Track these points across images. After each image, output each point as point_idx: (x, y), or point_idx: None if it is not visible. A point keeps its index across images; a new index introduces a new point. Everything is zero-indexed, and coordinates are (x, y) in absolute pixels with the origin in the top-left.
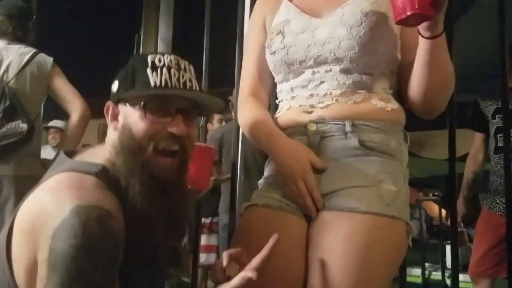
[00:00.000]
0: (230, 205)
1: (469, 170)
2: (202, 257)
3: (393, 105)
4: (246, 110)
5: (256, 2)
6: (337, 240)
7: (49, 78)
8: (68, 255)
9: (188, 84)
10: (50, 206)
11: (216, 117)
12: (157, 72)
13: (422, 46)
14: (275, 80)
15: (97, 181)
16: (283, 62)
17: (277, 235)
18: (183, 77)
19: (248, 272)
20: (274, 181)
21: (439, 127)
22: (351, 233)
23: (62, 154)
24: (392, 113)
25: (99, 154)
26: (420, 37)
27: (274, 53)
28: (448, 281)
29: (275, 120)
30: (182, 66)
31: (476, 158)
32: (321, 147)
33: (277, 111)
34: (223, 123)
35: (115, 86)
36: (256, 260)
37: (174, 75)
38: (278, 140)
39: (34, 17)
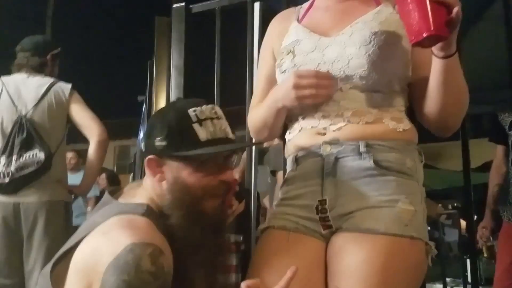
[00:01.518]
0: (245, 228)
1: (493, 183)
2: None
3: (405, 125)
4: (250, 113)
5: (268, 28)
6: (356, 263)
7: (68, 105)
8: None
9: (230, 133)
10: (103, 245)
11: None
12: (201, 125)
13: (436, 67)
14: None
15: (147, 220)
16: None
17: (296, 267)
18: (222, 125)
19: None
20: (290, 202)
21: (455, 138)
22: (370, 256)
23: (106, 195)
24: (404, 133)
25: (141, 194)
26: (433, 57)
27: (284, 72)
28: None
29: (288, 143)
30: (219, 114)
31: (499, 171)
32: (336, 168)
33: (288, 132)
34: None
35: (159, 141)
36: None
37: (216, 126)
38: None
39: (58, 49)
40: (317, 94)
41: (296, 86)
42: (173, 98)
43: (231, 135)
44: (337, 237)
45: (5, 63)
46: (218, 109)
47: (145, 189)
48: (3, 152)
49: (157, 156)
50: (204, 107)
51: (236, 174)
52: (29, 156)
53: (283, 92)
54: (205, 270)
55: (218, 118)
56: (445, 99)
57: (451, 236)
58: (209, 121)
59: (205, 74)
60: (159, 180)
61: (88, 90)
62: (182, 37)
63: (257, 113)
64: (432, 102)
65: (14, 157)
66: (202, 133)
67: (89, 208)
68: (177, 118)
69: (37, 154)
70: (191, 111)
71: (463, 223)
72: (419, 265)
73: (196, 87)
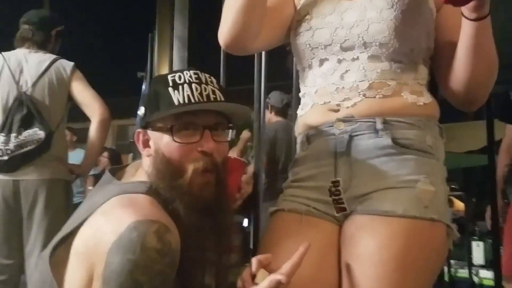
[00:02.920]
0: (253, 210)
1: (503, 163)
2: None
3: (426, 98)
4: None
5: None
6: (373, 247)
7: (69, 83)
8: (124, 270)
9: (212, 96)
10: (105, 225)
11: None
12: (178, 89)
13: (466, 30)
14: (298, 68)
15: (149, 198)
16: (308, 46)
17: (308, 243)
18: (205, 90)
19: (277, 275)
20: (301, 184)
21: (458, 120)
22: (388, 240)
23: (107, 173)
24: (425, 108)
25: (141, 173)
26: (464, 20)
27: (299, 34)
28: (476, 279)
29: (299, 119)
30: (203, 80)
31: (509, 150)
32: (350, 146)
33: (300, 108)
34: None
35: (141, 112)
36: (287, 266)
37: (196, 90)
38: None
39: (62, 26)
40: None
41: None
42: None
43: (213, 100)
44: (351, 220)
45: (2, 40)
46: (203, 75)
47: (144, 167)
48: (2, 130)
49: (142, 129)
50: (185, 72)
51: (232, 152)
52: (29, 133)
53: None
54: (202, 253)
55: (200, 83)
56: (475, 66)
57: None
58: (186, 85)
59: (211, 47)
60: (147, 154)
61: (84, 67)
62: (186, 4)
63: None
64: (460, 70)
65: (13, 134)
66: (176, 97)
67: (90, 187)
68: (155, 84)
69: (37, 132)
70: (170, 76)
71: (459, 204)
72: (440, 250)
73: (201, 60)
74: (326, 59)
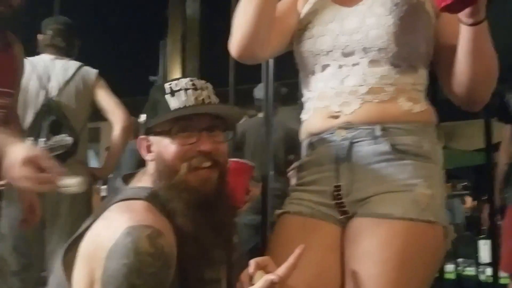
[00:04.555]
0: (262, 215)
1: (502, 163)
2: None
3: (421, 106)
4: None
5: None
6: (373, 247)
7: (93, 90)
8: (120, 274)
9: (207, 101)
10: (103, 231)
11: None
12: (175, 96)
13: (464, 35)
14: (301, 75)
15: (146, 204)
16: (310, 53)
17: (304, 245)
18: (200, 95)
19: (271, 275)
20: (305, 188)
21: (467, 118)
22: (388, 240)
23: (120, 180)
24: (421, 115)
25: (146, 178)
26: (461, 25)
27: (302, 42)
28: (483, 276)
29: (303, 125)
30: (199, 86)
31: (508, 150)
32: (351, 152)
33: (303, 113)
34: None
35: (142, 119)
36: (282, 268)
37: (192, 95)
38: None
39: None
40: None
41: None
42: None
43: (207, 104)
44: (353, 222)
45: None
46: (199, 82)
47: (149, 173)
48: (31, 134)
49: (144, 135)
50: (182, 79)
51: (223, 147)
52: (57, 139)
53: None
54: (203, 248)
55: (196, 89)
56: (475, 69)
57: (460, 216)
58: (183, 91)
59: (222, 56)
60: (150, 159)
61: (97, 68)
62: (197, 13)
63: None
64: (461, 73)
65: (42, 139)
66: (173, 102)
67: None
68: (154, 93)
69: (66, 138)
70: (167, 85)
71: (468, 202)
72: (437, 249)
73: (212, 70)
74: (328, 65)
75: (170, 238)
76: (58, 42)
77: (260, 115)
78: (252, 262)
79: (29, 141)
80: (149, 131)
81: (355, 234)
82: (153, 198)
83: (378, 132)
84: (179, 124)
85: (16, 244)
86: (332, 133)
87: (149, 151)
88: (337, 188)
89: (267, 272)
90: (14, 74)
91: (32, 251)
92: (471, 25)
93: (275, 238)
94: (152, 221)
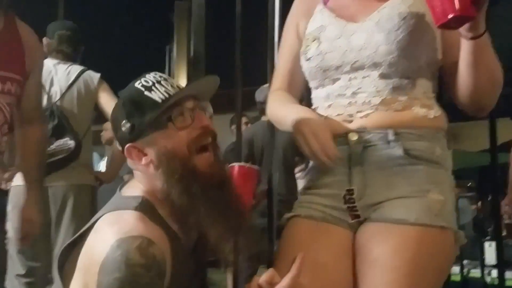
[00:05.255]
0: (268, 217)
1: None
2: None
3: (436, 111)
4: (272, 100)
5: (292, 7)
6: (386, 253)
7: (96, 94)
8: None
9: (180, 86)
10: (94, 244)
11: (243, 120)
12: (152, 90)
13: (465, 48)
14: (310, 85)
15: (136, 214)
16: (319, 68)
17: (303, 253)
18: (173, 83)
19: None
20: (316, 191)
21: (474, 118)
22: (400, 246)
23: (118, 189)
24: (435, 120)
25: (135, 187)
26: (462, 38)
27: (309, 59)
28: (488, 278)
29: None
30: (165, 77)
31: None
32: (364, 156)
33: None
34: (249, 125)
35: (124, 126)
36: (286, 278)
37: (167, 85)
38: (294, 107)
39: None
40: (318, 155)
41: (312, 134)
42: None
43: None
44: (365, 227)
45: None
46: (162, 74)
47: (138, 181)
48: None
49: (132, 142)
50: (146, 75)
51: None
52: (60, 143)
53: (298, 125)
54: (226, 231)
55: (165, 79)
56: (477, 79)
57: (465, 217)
58: (157, 84)
59: (226, 61)
60: (146, 164)
61: (102, 72)
62: (203, 19)
63: (274, 112)
64: (464, 84)
65: None
66: (156, 96)
67: None
68: (128, 97)
69: (68, 142)
70: (137, 85)
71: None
72: (448, 255)
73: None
74: (338, 78)
75: (162, 245)
76: (65, 48)
77: (264, 118)
78: (263, 277)
79: None
80: (140, 134)
81: (367, 239)
82: (143, 206)
83: (391, 136)
84: (174, 111)
85: (22, 247)
86: (344, 137)
87: (141, 156)
88: (350, 192)
89: (272, 285)
90: (21, 60)
91: (38, 255)
92: (471, 39)
93: (285, 242)
94: (142, 231)
